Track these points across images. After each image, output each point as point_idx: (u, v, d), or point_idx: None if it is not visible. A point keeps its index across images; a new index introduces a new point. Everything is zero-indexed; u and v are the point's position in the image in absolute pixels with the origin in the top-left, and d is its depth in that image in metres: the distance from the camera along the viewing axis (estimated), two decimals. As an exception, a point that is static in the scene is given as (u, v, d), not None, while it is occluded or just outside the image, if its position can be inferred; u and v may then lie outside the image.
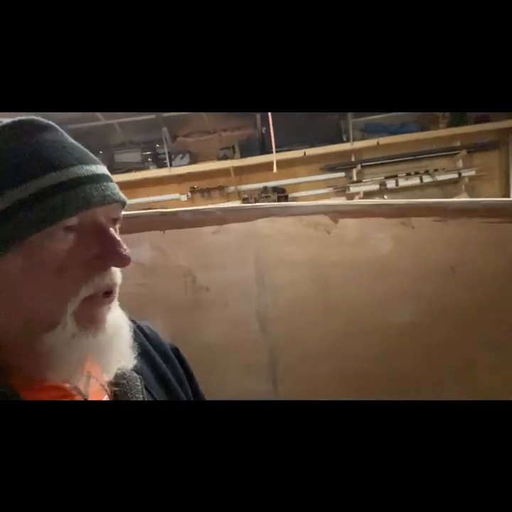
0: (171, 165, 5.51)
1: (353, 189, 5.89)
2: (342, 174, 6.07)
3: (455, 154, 5.90)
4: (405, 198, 5.98)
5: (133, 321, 0.53)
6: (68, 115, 5.11)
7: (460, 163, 5.92)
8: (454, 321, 1.22)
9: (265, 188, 6.00)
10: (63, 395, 0.43)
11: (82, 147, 0.41)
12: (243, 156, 5.66)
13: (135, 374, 0.50)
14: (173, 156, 5.57)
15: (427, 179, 5.85)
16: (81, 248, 0.39)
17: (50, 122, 0.41)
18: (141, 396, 0.48)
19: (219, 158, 5.79)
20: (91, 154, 0.42)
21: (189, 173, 5.70)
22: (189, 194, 6.03)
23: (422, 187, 5.93)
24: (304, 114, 5.65)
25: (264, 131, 5.77)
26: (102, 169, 0.42)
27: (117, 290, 0.43)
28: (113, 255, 0.40)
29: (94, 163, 0.42)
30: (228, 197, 6.10)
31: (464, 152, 5.83)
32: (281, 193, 5.96)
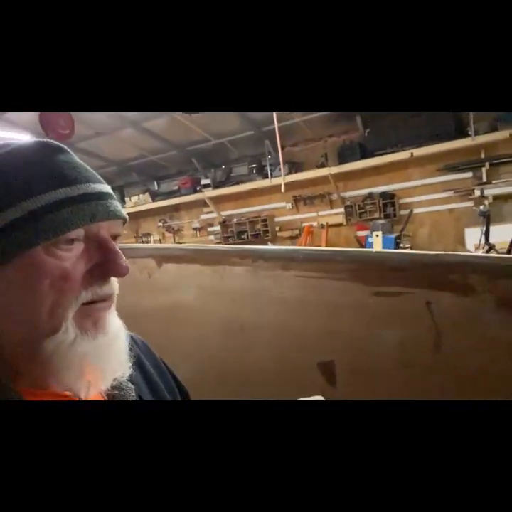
0: (271, 176, 5.74)
1: (478, 192, 4.84)
2: (468, 174, 5.04)
3: None
4: None
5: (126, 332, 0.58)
6: (186, 139, 5.97)
7: None
8: (227, 382, 1.09)
9: (370, 194, 5.55)
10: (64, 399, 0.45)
11: (89, 168, 0.46)
12: (342, 162, 5.40)
13: (130, 384, 0.53)
14: (273, 167, 5.78)
15: None
16: (84, 258, 0.43)
17: (63, 145, 0.46)
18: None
19: (317, 166, 5.69)
20: (97, 175, 0.46)
21: (294, 182, 5.80)
22: (293, 203, 6.14)
23: None
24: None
25: (366, 134, 5.36)
26: (106, 188, 0.46)
27: (115, 299, 0.46)
28: (113, 265, 0.43)
29: (100, 182, 0.46)
30: (331, 204, 5.91)
31: None
32: (389, 199, 5.40)
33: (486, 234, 3.44)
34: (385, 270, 0.98)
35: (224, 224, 6.60)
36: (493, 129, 4.66)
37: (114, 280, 0.45)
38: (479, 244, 3.43)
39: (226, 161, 6.62)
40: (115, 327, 0.46)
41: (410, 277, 0.95)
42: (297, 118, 5.34)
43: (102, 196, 0.44)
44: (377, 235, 4.40)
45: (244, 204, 6.50)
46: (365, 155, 5.27)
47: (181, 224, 7.11)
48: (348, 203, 5.69)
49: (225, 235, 6.56)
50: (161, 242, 7.08)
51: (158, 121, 5.34)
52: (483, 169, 4.85)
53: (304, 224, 5.94)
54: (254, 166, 6.07)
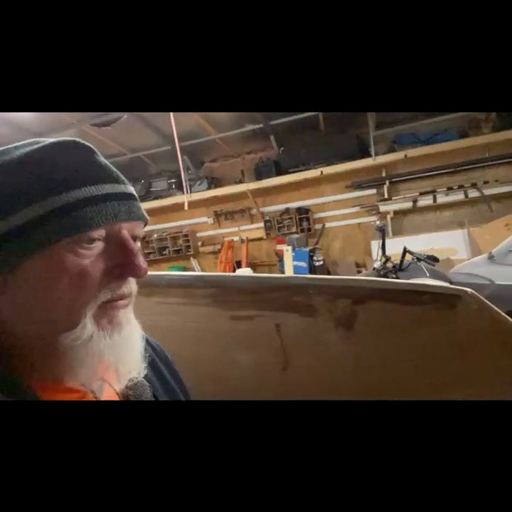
0: (190, 191, 5.72)
1: (382, 208, 5.28)
2: (373, 191, 5.49)
3: (510, 163, 4.83)
4: (450, 215, 5.04)
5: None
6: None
7: (523, 172, 4.82)
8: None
9: (287, 209, 5.78)
10: (78, 398, 0.46)
11: (114, 168, 0.46)
12: (258, 178, 5.56)
13: (145, 382, 0.53)
14: (192, 183, 5.77)
15: (473, 194, 4.91)
16: (104, 257, 0.43)
17: (89, 144, 0.47)
18: None
19: (236, 182, 5.80)
20: (122, 176, 0.47)
21: (214, 197, 5.83)
22: (214, 217, 6.17)
23: (473, 202, 4.98)
24: (322, 131, 5.32)
25: (280, 152, 5.60)
26: (130, 189, 0.46)
27: (133, 299, 0.47)
28: (132, 266, 0.43)
29: (125, 183, 0.46)
30: (252, 219, 6.05)
31: (523, 159, 4.73)
32: (304, 214, 5.67)
33: (383, 247, 3.73)
34: (241, 294, 1.01)
35: (144, 240, 6.41)
36: (391, 150, 5.13)
37: (132, 280, 0.46)
38: (377, 257, 3.72)
39: (145, 176, 6.47)
40: (131, 326, 0.47)
41: (262, 300, 0.99)
42: (214, 134, 5.41)
43: (124, 197, 0.45)
44: (287, 250, 4.58)
45: (165, 219, 6.39)
46: (280, 172, 5.49)
47: (99, 240, 6.79)
48: (267, 218, 5.87)
49: (146, 251, 6.38)
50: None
51: (67, 133, 5.08)
52: (385, 187, 5.30)
53: (226, 239, 5.99)
54: (173, 180, 6.01)
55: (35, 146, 0.44)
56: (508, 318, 0.87)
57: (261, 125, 5.13)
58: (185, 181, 5.30)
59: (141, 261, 0.44)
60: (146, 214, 0.48)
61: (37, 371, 0.43)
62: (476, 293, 0.87)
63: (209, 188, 5.78)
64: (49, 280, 0.41)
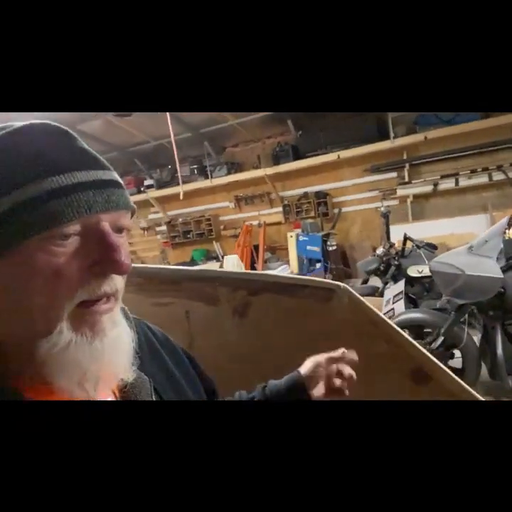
0: (211, 177, 5.89)
1: (400, 192, 5.15)
2: (393, 175, 5.35)
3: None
4: (474, 199, 4.81)
5: (143, 322, 0.54)
6: (126, 141, 6.03)
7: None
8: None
9: (306, 194, 5.79)
10: (70, 398, 0.42)
11: (93, 152, 0.41)
12: (276, 163, 5.60)
13: (145, 377, 0.50)
14: (212, 168, 5.93)
15: (498, 176, 4.66)
16: (80, 254, 0.39)
17: (63, 127, 0.42)
18: (149, 398, 0.49)
19: (253, 168, 5.88)
20: (102, 160, 0.42)
21: (235, 182, 5.96)
22: (235, 202, 6.31)
23: (498, 185, 4.73)
24: (341, 114, 5.22)
25: (298, 136, 5.58)
26: (110, 175, 0.41)
27: (119, 297, 0.42)
28: (112, 262, 0.39)
29: (103, 168, 0.41)
30: (271, 203, 6.13)
31: (555, 138, 4.40)
32: (323, 198, 5.66)
33: (387, 233, 3.71)
34: (162, 283, 1.16)
35: (170, 224, 6.71)
36: (412, 131, 4.96)
37: (117, 277, 0.41)
38: (382, 243, 3.70)
39: (171, 162, 6.71)
40: (117, 329, 0.42)
41: (178, 290, 1.13)
42: (231, 120, 5.49)
43: (102, 185, 0.40)
44: (290, 236, 4.63)
45: (189, 204, 6.62)
46: (298, 156, 5.49)
47: (129, 224, 7.18)
48: (285, 203, 5.92)
49: (172, 235, 6.68)
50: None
51: (93, 124, 5.38)
52: (405, 169, 5.16)
53: (246, 223, 6.13)
54: (195, 166, 6.20)
55: (2, 132, 0.40)
56: (377, 311, 0.95)
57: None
58: (207, 167, 5.44)
59: (123, 256, 0.40)
60: (131, 201, 0.43)
61: (22, 375, 0.41)
62: (348, 287, 0.96)
63: (228, 173, 5.91)
64: (20, 282, 0.37)
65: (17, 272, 0.37)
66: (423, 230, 4.72)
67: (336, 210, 5.66)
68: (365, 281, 3.68)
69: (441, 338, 2.17)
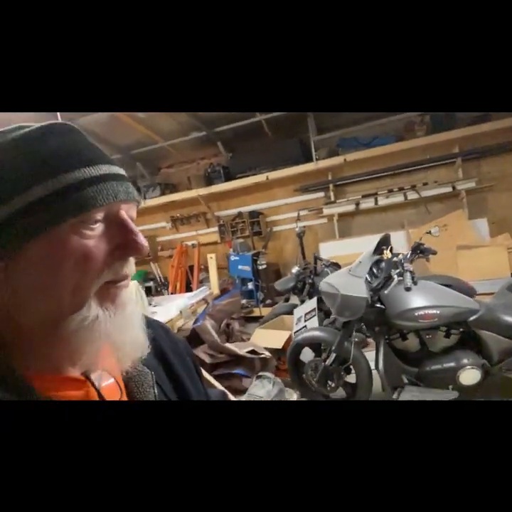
0: (144, 198, 5.85)
1: (326, 211, 5.39)
2: (321, 194, 5.60)
3: (451, 164, 4.92)
4: (394, 216, 5.13)
5: (143, 315, 0.58)
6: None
7: (460, 173, 4.91)
8: None
9: (240, 213, 5.90)
10: (77, 387, 0.46)
11: (102, 150, 0.47)
12: (209, 183, 5.68)
13: (147, 369, 0.53)
14: (146, 189, 5.91)
15: (413, 196, 5.01)
16: (105, 238, 0.43)
17: (78, 128, 0.47)
18: (151, 390, 0.52)
19: (187, 189, 5.93)
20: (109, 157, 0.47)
21: (172, 203, 5.95)
22: (171, 223, 6.31)
23: (413, 204, 5.08)
24: (269, 137, 5.42)
25: (229, 158, 5.71)
26: (122, 171, 0.47)
27: (130, 278, 0.47)
28: (134, 245, 0.44)
29: (115, 165, 0.46)
30: (208, 223, 6.18)
31: (458, 161, 4.82)
32: (256, 218, 5.79)
33: (302, 252, 3.86)
34: None
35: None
36: (334, 154, 5.23)
37: (132, 261, 0.46)
38: (297, 261, 3.84)
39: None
40: (132, 305, 0.47)
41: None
42: (161, 142, 5.53)
43: (120, 178, 0.45)
44: (211, 258, 4.70)
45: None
46: (229, 177, 5.61)
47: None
48: (221, 222, 5.99)
49: (107, 257, 6.52)
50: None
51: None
52: (330, 190, 5.41)
53: (181, 243, 6.12)
54: (129, 187, 6.14)
55: (27, 130, 0.44)
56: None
57: (205, 132, 5.25)
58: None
59: (142, 240, 0.44)
60: (138, 195, 0.48)
61: (37, 361, 0.43)
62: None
63: (162, 193, 5.91)
64: (54, 262, 0.41)
65: (51, 253, 0.41)
66: (349, 247, 4.94)
67: (274, 228, 5.80)
68: (287, 300, 3.78)
69: (333, 355, 2.27)
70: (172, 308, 3.45)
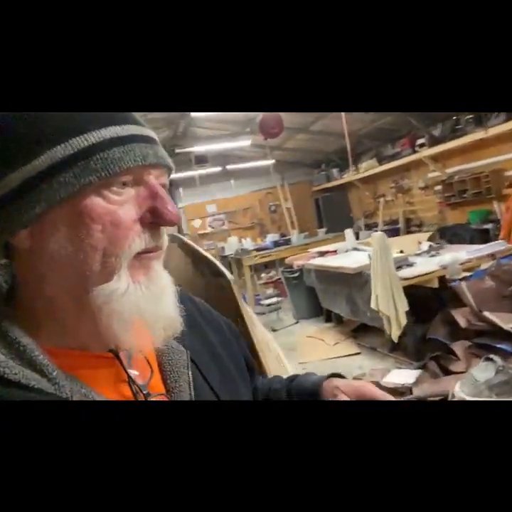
0: (485, 125, 5.02)
1: None
2: None
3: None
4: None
5: (185, 292, 0.55)
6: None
7: None
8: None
9: None
10: (105, 364, 0.44)
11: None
12: None
13: (182, 348, 0.50)
14: (488, 115, 5.03)
15: None
16: (134, 204, 0.40)
17: None
18: (185, 370, 0.49)
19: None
20: (143, 121, 0.43)
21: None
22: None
23: None
24: None
25: None
26: (154, 134, 0.43)
27: (164, 250, 0.44)
28: (165, 213, 0.40)
29: (147, 127, 0.43)
30: None
31: None
32: None
33: None
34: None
35: (444, 182, 6.26)
36: None
37: (164, 231, 0.43)
38: None
39: (448, 114, 6.07)
40: (165, 279, 0.45)
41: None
42: None
43: (150, 140, 0.42)
44: None
45: (471, 158, 5.86)
46: None
47: (411, 184, 7.19)
48: None
49: (446, 195, 6.22)
50: (393, 202, 7.49)
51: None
52: None
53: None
54: (470, 116, 5.42)
55: None
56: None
57: None
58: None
59: (174, 207, 0.41)
60: (171, 161, 0.44)
61: (65, 336, 0.42)
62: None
63: (507, 118, 4.82)
64: (80, 230, 0.38)
65: (76, 218, 0.38)
66: None
67: None
68: None
69: None
70: (446, 258, 3.16)
